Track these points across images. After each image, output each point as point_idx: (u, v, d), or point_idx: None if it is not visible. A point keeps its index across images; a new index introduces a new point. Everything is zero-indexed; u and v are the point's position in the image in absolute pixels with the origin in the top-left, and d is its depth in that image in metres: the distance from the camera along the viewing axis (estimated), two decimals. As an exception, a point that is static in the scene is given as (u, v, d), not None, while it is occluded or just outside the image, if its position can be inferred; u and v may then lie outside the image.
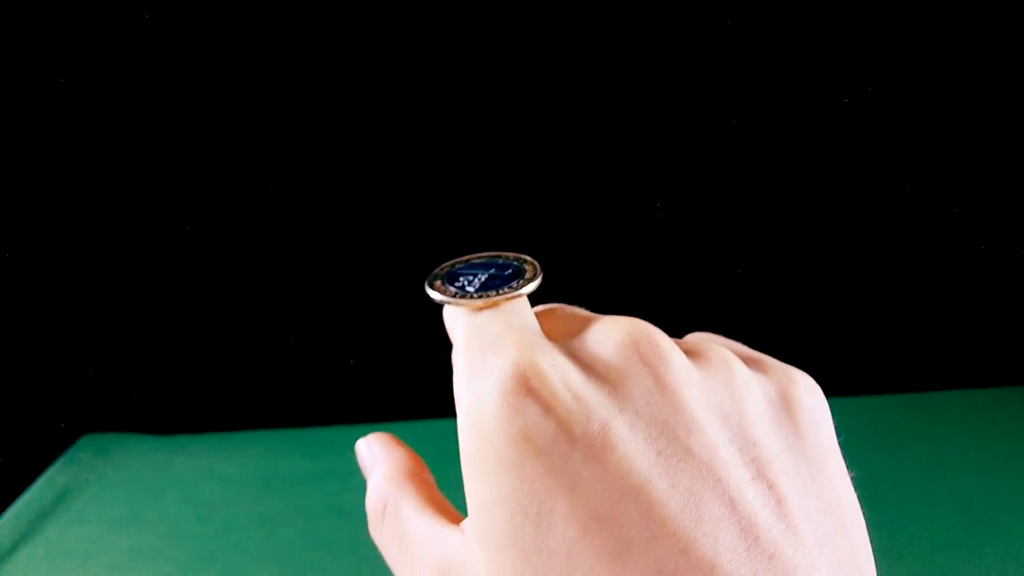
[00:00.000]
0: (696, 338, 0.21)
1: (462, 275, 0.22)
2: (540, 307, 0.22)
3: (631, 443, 0.17)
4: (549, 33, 0.66)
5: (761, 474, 0.17)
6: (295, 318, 0.70)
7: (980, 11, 0.65)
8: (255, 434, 0.69)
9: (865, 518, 0.18)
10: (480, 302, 0.21)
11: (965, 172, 0.69)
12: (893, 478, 0.57)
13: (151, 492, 0.60)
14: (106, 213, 0.68)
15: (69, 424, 0.69)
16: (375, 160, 0.68)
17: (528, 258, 0.23)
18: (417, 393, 0.56)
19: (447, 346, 0.21)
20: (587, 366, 0.18)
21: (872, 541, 0.18)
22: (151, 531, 0.55)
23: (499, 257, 0.23)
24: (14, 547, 0.54)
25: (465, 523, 0.19)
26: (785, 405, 0.19)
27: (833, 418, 0.19)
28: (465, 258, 0.24)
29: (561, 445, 0.17)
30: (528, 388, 0.17)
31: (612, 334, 0.18)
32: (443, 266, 0.23)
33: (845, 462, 0.19)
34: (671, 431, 0.17)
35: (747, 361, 0.20)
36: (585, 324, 0.20)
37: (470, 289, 0.21)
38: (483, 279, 0.22)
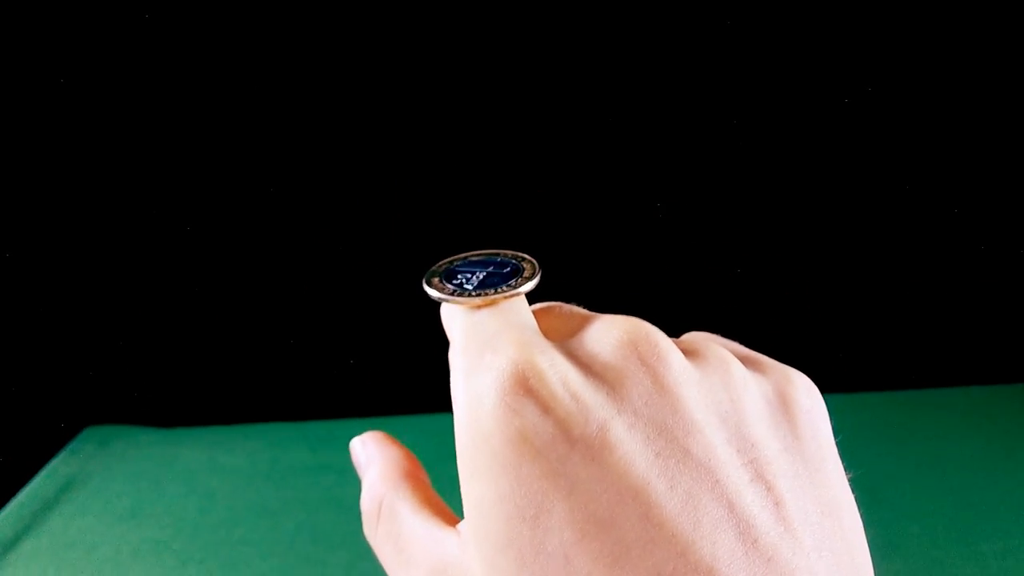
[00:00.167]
0: (694, 337, 0.21)
1: (460, 273, 0.22)
2: (538, 305, 0.22)
3: (629, 444, 0.16)
4: (549, 32, 0.65)
5: (759, 475, 0.17)
6: (297, 313, 0.70)
7: (980, 11, 0.65)
8: (257, 427, 0.69)
9: (864, 516, 0.18)
10: (478, 300, 0.20)
11: (965, 172, 0.68)
12: (893, 475, 0.57)
13: (154, 484, 0.60)
14: (109, 208, 0.67)
15: (72, 416, 0.69)
16: (375, 157, 0.68)
17: (527, 256, 0.23)
18: (419, 387, 0.56)
19: (447, 342, 0.21)
20: (585, 366, 0.18)
21: (871, 538, 0.18)
22: (154, 523, 0.55)
23: (497, 255, 0.23)
24: (17, 538, 0.54)
25: (462, 525, 0.19)
26: (783, 405, 0.18)
27: (833, 415, 0.19)
28: (463, 255, 0.23)
29: (559, 446, 0.16)
30: (526, 388, 0.17)
31: (610, 333, 0.18)
32: (441, 263, 0.23)
33: (843, 462, 0.19)
34: (670, 432, 0.17)
35: (744, 361, 0.20)
36: (583, 323, 0.19)
37: (468, 287, 0.21)
38: (481, 277, 0.22)
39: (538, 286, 0.21)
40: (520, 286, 0.21)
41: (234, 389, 0.71)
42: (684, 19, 0.66)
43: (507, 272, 0.22)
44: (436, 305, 0.22)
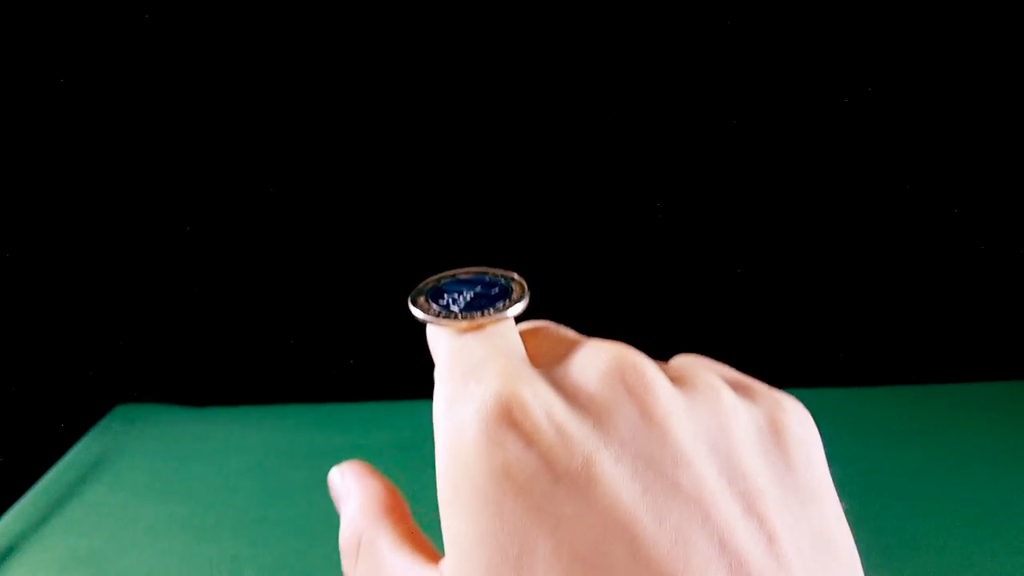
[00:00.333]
0: (683, 362, 0.20)
1: (447, 292, 0.21)
2: (526, 324, 0.21)
3: (616, 478, 0.15)
4: (550, 32, 0.65)
5: (751, 508, 0.16)
6: (324, 299, 0.70)
7: (980, 11, 0.64)
8: (282, 408, 0.70)
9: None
10: (464, 323, 0.19)
11: (965, 172, 0.68)
12: (903, 471, 0.57)
13: (181, 461, 0.62)
14: (146, 190, 0.68)
15: (103, 395, 0.71)
16: (384, 147, 0.68)
17: (516, 276, 0.22)
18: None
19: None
20: (571, 396, 0.17)
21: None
22: (180, 498, 0.56)
23: (486, 273, 0.22)
24: (50, 511, 0.55)
25: (443, 563, 0.18)
26: (775, 434, 0.18)
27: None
28: (451, 273, 0.22)
29: (543, 481, 0.16)
30: (510, 420, 0.16)
31: (596, 362, 0.17)
32: (428, 280, 0.22)
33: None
34: (658, 464, 0.16)
35: (735, 387, 0.19)
36: (570, 349, 0.19)
37: (455, 308, 0.20)
38: (468, 298, 0.21)
39: (540, 285, 0.21)
40: (507, 309, 0.20)
41: (260, 371, 0.72)
42: (684, 19, 0.65)
43: (495, 293, 0.21)
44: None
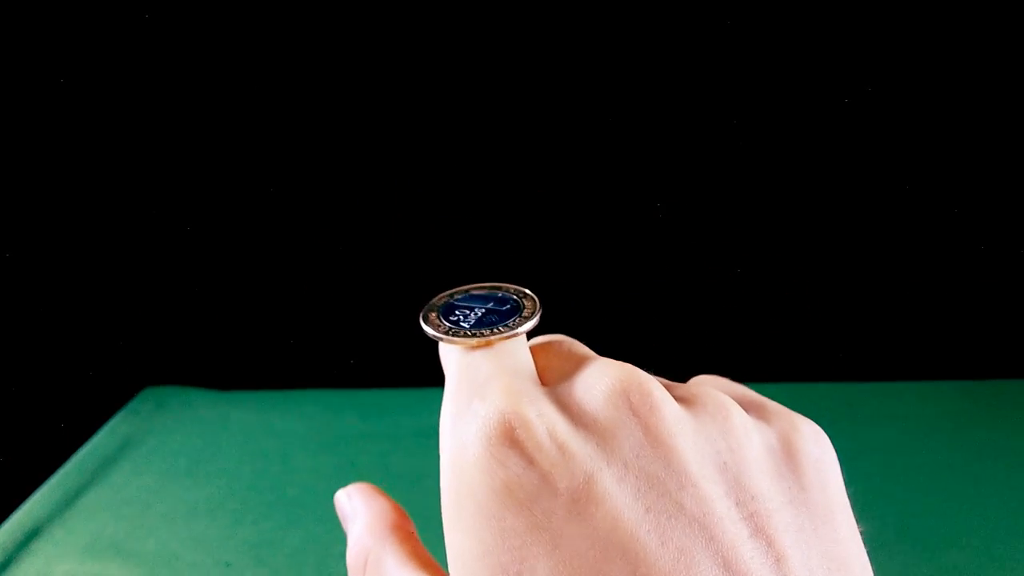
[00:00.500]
0: (697, 381, 0.20)
1: (459, 308, 0.21)
2: (539, 339, 0.21)
3: (618, 497, 0.15)
4: (549, 32, 0.64)
5: (759, 530, 0.16)
6: (351, 285, 0.70)
7: (980, 11, 0.64)
8: (311, 392, 0.69)
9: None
10: (473, 341, 0.19)
11: (965, 172, 0.68)
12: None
13: (209, 445, 0.61)
14: (170, 179, 0.68)
15: (131, 377, 0.70)
16: (393, 142, 0.68)
17: (528, 292, 0.22)
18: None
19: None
20: (576, 416, 0.17)
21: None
22: (208, 482, 0.56)
23: (499, 289, 0.22)
24: (78, 493, 0.55)
25: None
26: (787, 454, 0.18)
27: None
28: (464, 288, 0.23)
29: (544, 499, 0.16)
30: (512, 438, 0.16)
31: (602, 382, 0.17)
32: (441, 296, 0.22)
33: (855, 511, 0.18)
34: (662, 485, 0.16)
35: (749, 406, 0.19)
36: (579, 366, 0.19)
37: (465, 325, 0.20)
38: (480, 314, 0.21)
39: (538, 283, 0.21)
40: (518, 327, 0.20)
41: (289, 354, 0.71)
42: (684, 19, 0.65)
43: (507, 310, 0.21)
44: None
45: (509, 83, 0.66)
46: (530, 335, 0.21)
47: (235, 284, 0.71)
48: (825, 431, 0.19)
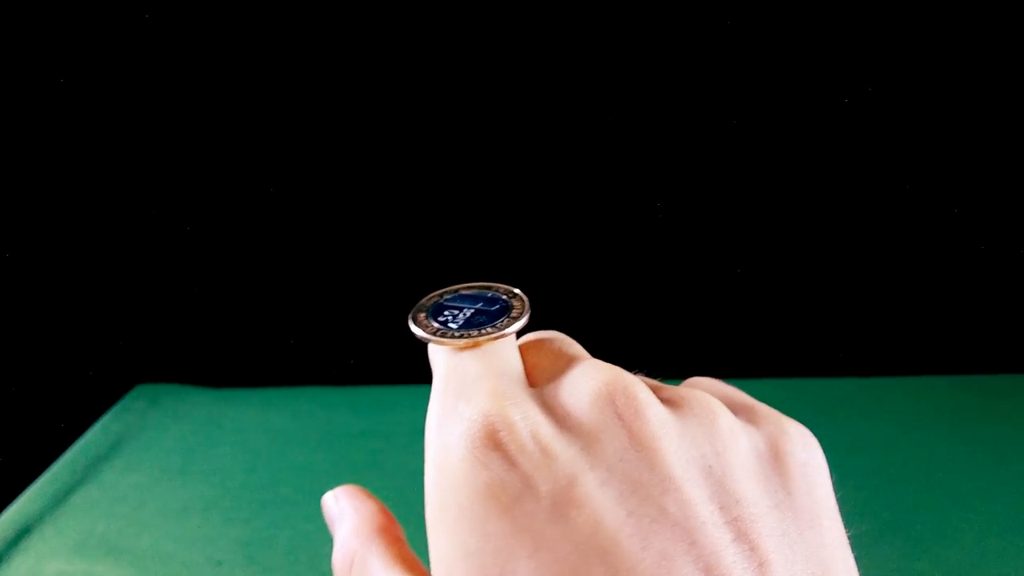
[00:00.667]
0: (690, 383, 0.19)
1: (448, 309, 0.21)
2: (531, 336, 0.21)
3: (600, 501, 0.15)
4: (549, 32, 0.64)
5: (743, 534, 0.15)
6: (345, 281, 0.70)
7: (980, 11, 0.64)
8: (305, 390, 0.69)
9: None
10: (461, 342, 0.19)
11: (965, 172, 0.67)
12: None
13: (202, 442, 0.61)
14: (162, 175, 0.67)
15: (123, 374, 0.70)
16: (389, 141, 0.67)
17: (518, 292, 0.22)
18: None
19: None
20: (561, 419, 0.17)
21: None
22: (202, 480, 0.56)
23: (489, 289, 0.22)
24: (69, 491, 0.54)
25: None
26: (775, 458, 0.17)
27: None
28: (454, 288, 0.22)
29: (526, 501, 0.15)
30: (495, 441, 0.16)
31: (589, 385, 0.17)
32: (431, 296, 0.22)
33: (843, 517, 0.17)
34: (645, 489, 0.16)
35: (738, 409, 0.18)
36: (567, 367, 0.18)
37: (453, 326, 0.20)
38: (468, 315, 0.21)
39: (537, 283, 0.21)
40: (506, 327, 0.20)
41: (283, 352, 0.71)
42: (684, 19, 0.64)
43: (495, 310, 0.21)
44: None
45: (510, 84, 0.66)
46: (521, 333, 0.21)
47: (228, 281, 0.70)
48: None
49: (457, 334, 0.20)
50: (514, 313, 0.21)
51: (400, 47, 0.65)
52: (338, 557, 0.21)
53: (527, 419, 0.17)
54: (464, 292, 0.22)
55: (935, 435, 0.59)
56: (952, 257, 0.69)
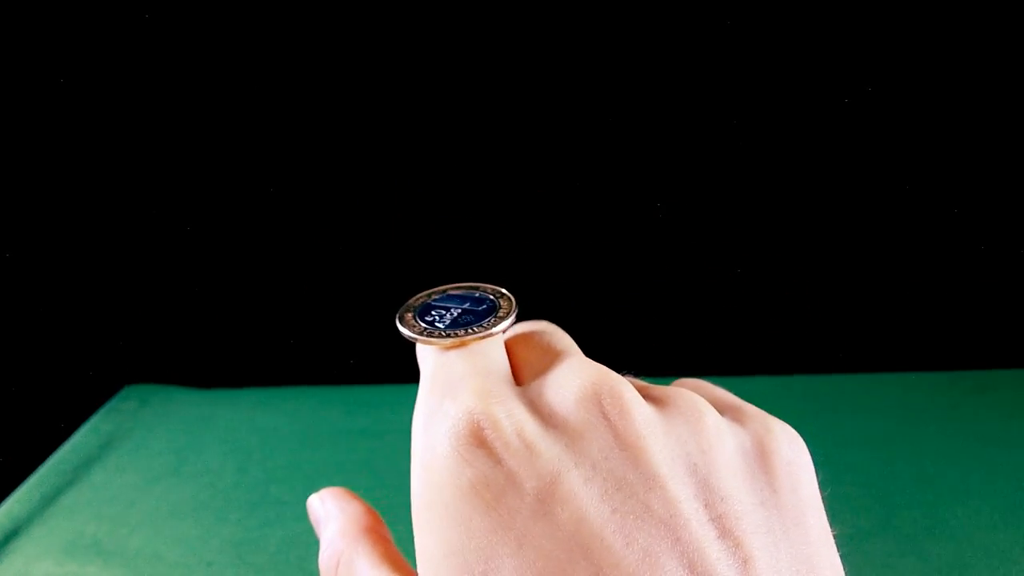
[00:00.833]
0: (679, 383, 0.20)
1: (435, 309, 0.22)
2: (521, 327, 0.21)
3: (584, 498, 0.15)
4: (549, 32, 0.65)
5: (727, 531, 0.16)
6: (334, 282, 0.70)
7: (980, 11, 0.64)
8: (295, 390, 0.69)
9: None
10: (448, 341, 0.20)
11: (965, 172, 0.67)
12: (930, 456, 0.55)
13: (192, 443, 0.60)
14: (152, 173, 0.67)
15: (111, 374, 0.69)
16: (385, 141, 0.67)
17: (505, 292, 0.22)
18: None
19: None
20: (546, 417, 0.17)
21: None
22: (191, 481, 0.56)
23: (476, 289, 0.22)
24: (58, 492, 0.54)
25: None
26: (760, 457, 0.17)
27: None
28: (442, 288, 0.23)
29: (510, 498, 0.16)
30: (480, 438, 0.16)
31: (574, 383, 0.17)
32: (419, 296, 0.23)
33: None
34: (629, 487, 0.16)
35: (725, 409, 0.19)
36: (553, 363, 0.19)
37: (440, 326, 0.20)
38: (455, 314, 0.21)
39: (537, 282, 0.21)
40: (492, 327, 0.20)
41: (273, 351, 0.71)
42: (684, 19, 0.64)
43: (483, 310, 0.21)
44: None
45: (508, 83, 0.66)
46: (521, 316, 0.22)
47: (217, 282, 0.70)
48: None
49: (444, 334, 0.20)
50: (501, 313, 0.21)
51: (398, 47, 0.65)
52: (324, 558, 0.21)
53: (512, 417, 0.17)
54: (452, 292, 0.23)
55: (924, 430, 0.59)
56: (951, 256, 0.69)
